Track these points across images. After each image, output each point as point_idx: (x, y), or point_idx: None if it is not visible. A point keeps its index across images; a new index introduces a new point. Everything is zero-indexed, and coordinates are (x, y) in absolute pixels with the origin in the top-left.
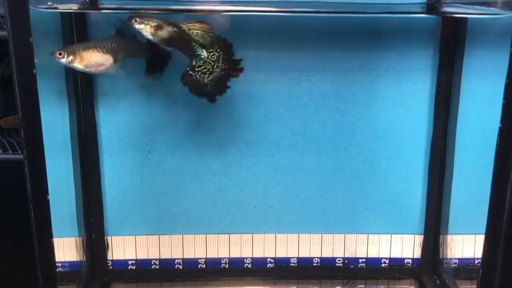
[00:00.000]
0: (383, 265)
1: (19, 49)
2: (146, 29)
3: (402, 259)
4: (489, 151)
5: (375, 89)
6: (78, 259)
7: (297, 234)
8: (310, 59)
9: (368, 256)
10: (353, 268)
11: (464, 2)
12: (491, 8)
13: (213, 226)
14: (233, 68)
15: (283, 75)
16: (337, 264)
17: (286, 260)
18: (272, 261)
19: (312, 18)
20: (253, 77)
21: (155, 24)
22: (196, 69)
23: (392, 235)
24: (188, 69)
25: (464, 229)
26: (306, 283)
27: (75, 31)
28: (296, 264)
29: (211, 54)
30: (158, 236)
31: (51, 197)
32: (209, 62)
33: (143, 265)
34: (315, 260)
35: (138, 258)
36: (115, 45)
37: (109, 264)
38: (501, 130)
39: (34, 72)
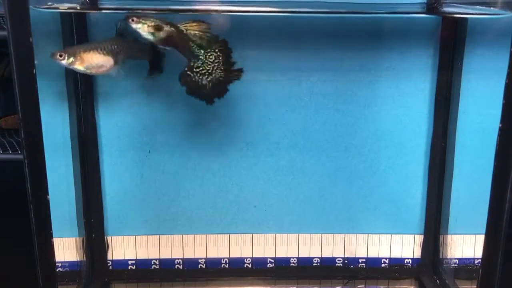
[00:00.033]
0: (383, 265)
1: (19, 49)
2: (143, 28)
3: (402, 259)
4: (489, 151)
5: (375, 89)
6: (78, 259)
7: (297, 234)
8: (310, 59)
9: (368, 256)
10: (353, 268)
11: (464, 2)
12: (491, 8)
13: (213, 226)
14: (233, 70)
15: (283, 75)
16: (337, 264)
17: (286, 260)
18: (272, 261)
19: (312, 18)
20: (253, 77)
21: (152, 24)
22: (194, 69)
23: (392, 235)
24: (186, 69)
25: (464, 229)
26: (306, 283)
27: (75, 31)
28: (296, 264)
29: (209, 54)
30: (158, 236)
31: (51, 197)
32: (207, 62)
33: (143, 265)
34: (315, 260)
35: (138, 258)
36: (116, 46)
37: (109, 264)
38: (501, 130)
39: (34, 72)
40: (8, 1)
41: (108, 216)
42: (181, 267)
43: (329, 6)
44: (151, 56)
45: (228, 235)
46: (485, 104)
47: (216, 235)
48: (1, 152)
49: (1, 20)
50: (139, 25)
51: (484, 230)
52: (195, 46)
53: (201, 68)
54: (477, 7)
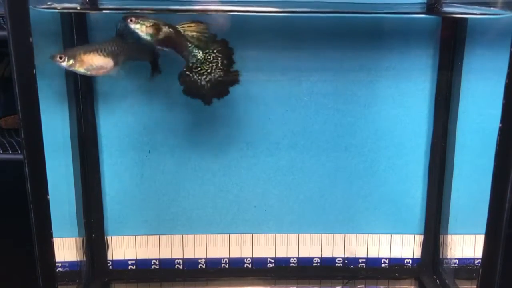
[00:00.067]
0: (383, 265)
1: (19, 49)
2: (141, 29)
3: (402, 259)
4: (489, 151)
5: (375, 89)
6: (78, 259)
7: (297, 234)
8: (310, 59)
9: (368, 256)
10: (353, 268)
11: (464, 2)
12: (491, 8)
13: (213, 226)
14: (231, 71)
15: (283, 75)
16: (337, 264)
17: (286, 260)
18: (272, 261)
19: (312, 18)
20: (253, 77)
21: (150, 24)
22: (193, 70)
23: (392, 235)
24: (184, 69)
25: (464, 229)
26: (306, 283)
27: (75, 31)
28: (296, 264)
29: (207, 54)
30: (158, 236)
31: (51, 197)
32: (206, 63)
33: (143, 265)
34: (315, 260)
35: (138, 258)
36: (116, 47)
37: (109, 264)
38: (501, 130)
39: (34, 72)
40: (8, 1)
41: (108, 216)
42: (181, 267)
43: (329, 6)
44: (152, 57)
45: (228, 235)
46: (485, 104)
47: (216, 235)
48: (1, 152)
49: (1, 20)
50: (138, 26)
51: (484, 230)
52: (193, 46)
53: (199, 69)
54: (477, 7)
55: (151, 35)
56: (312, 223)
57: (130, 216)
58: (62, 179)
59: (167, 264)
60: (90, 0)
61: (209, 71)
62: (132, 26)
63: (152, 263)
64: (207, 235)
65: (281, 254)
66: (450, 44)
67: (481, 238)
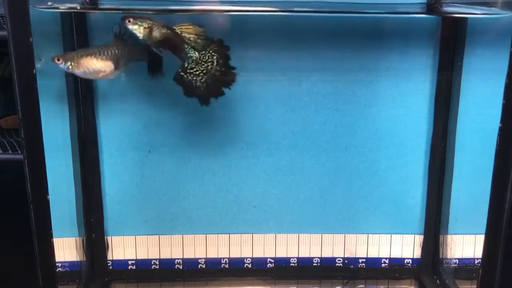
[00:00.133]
0: (383, 265)
1: (19, 49)
2: (139, 30)
3: (402, 259)
4: (489, 151)
5: (375, 89)
6: (78, 259)
7: (297, 234)
8: (310, 59)
9: (368, 256)
10: (353, 268)
11: (464, 2)
12: (491, 8)
13: (213, 226)
14: (227, 73)
15: (283, 75)
16: (337, 264)
17: (286, 260)
18: (272, 261)
19: (312, 18)
20: (253, 77)
21: (148, 25)
22: (188, 70)
23: (392, 235)
24: (179, 70)
25: (464, 229)
26: (306, 283)
27: (75, 31)
28: (296, 264)
29: (203, 56)
30: (158, 236)
31: (51, 197)
32: (201, 64)
33: (143, 265)
34: (315, 260)
35: (138, 258)
36: (115, 51)
37: (109, 264)
38: (501, 130)
39: (34, 72)
40: (8, 1)
41: (108, 216)
42: (181, 267)
43: (329, 6)
44: (150, 58)
45: (228, 235)
46: (485, 104)
47: (216, 235)
48: (1, 152)
49: (1, 20)
50: (135, 26)
51: (484, 230)
52: (189, 48)
53: (195, 69)
54: (477, 7)
55: (148, 36)
56: (312, 223)
57: (130, 216)
58: (62, 179)
59: (167, 264)
60: (90, 0)
61: (204, 71)
62: (130, 26)
63: (152, 263)
64: (207, 235)
65: (281, 254)
66: (450, 44)
67: (481, 238)
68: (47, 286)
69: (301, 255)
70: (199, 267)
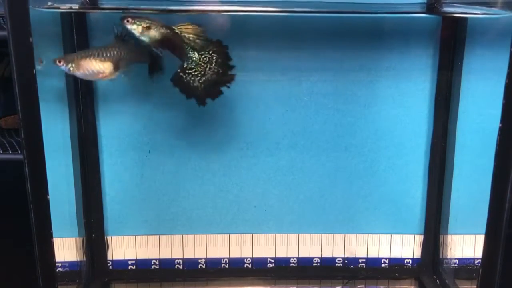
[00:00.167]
0: (383, 265)
1: (19, 49)
2: (137, 29)
3: (402, 259)
4: (489, 151)
5: (375, 89)
6: (78, 259)
7: (297, 234)
8: (310, 59)
9: (368, 256)
10: (353, 268)
11: (464, 2)
12: (491, 8)
13: (213, 226)
14: (226, 73)
15: (283, 75)
16: (337, 264)
17: (286, 260)
18: (272, 261)
19: (312, 18)
20: (253, 77)
21: (146, 25)
22: (187, 71)
23: (392, 235)
24: (178, 70)
25: (464, 229)
26: (306, 283)
27: (75, 31)
28: (296, 264)
29: (203, 56)
30: (158, 236)
31: (51, 197)
32: (200, 64)
33: (143, 265)
34: (315, 260)
35: (138, 258)
36: (115, 52)
37: (109, 264)
38: (501, 130)
39: (34, 72)
40: (8, 1)
41: (108, 216)
42: (181, 267)
43: (329, 6)
44: (151, 59)
45: (228, 235)
46: (485, 104)
47: (216, 235)
48: (1, 152)
49: (1, 20)
50: (134, 26)
51: (484, 230)
52: (188, 48)
53: (194, 70)
54: (477, 7)
55: (147, 35)
56: (312, 223)
57: (130, 216)
58: (62, 179)
59: (167, 264)
60: (90, 0)
61: (203, 72)
62: (129, 26)
63: (152, 263)
64: (207, 235)
65: (281, 254)
66: (450, 44)
67: (481, 238)
68: (47, 286)
69: (301, 255)
70: (199, 267)
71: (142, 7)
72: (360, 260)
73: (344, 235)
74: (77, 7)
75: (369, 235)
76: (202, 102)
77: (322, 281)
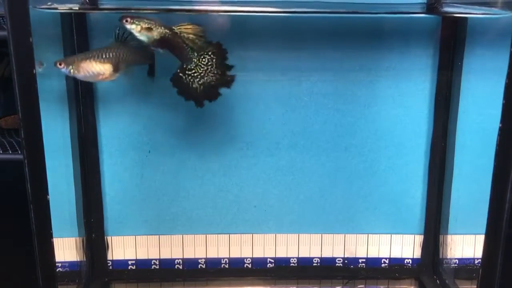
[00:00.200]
0: (383, 265)
1: (19, 49)
2: (136, 29)
3: (402, 259)
4: (489, 151)
5: (375, 89)
6: (78, 259)
7: (297, 234)
8: (310, 59)
9: (368, 256)
10: (353, 268)
11: (464, 2)
12: (491, 8)
13: (213, 226)
14: (225, 75)
15: (283, 75)
16: (337, 264)
17: (286, 260)
18: (272, 261)
19: (312, 18)
20: (253, 77)
21: (146, 25)
22: (186, 72)
23: (392, 235)
24: (178, 71)
25: (464, 229)
26: (306, 283)
27: (75, 31)
28: (296, 264)
29: (202, 57)
30: (158, 236)
31: (51, 197)
32: (200, 65)
33: (143, 265)
34: (315, 260)
35: (138, 258)
36: (115, 54)
37: (109, 264)
38: (501, 130)
39: (34, 72)
40: (8, 1)
41: (108, 216)
42: (181, 267)
43: (329, 6)
44: (152, 60)
45: (228, 235)
46: (485, 104)
47: (216, 235)
48: (1, 152)
49: (1, 20)
50: (133, 26)
51: (484, 230)
52: (188, 48)
53: (193, 71)
54: (477, 7)
55: (146, 35)
56: (312, 223)
57: (130, 216)
58: (62, 179)
59: (167, 264)
60: (90, 0)
61: (202, 74)
62: (128, 26)
63: (152, 263)
64: (207, 235)
65: (281, 254)
66: (450, 44)
67: (481, 238)
68: (47, 286)
69: (301, 255)
70: (199, 267)
71: (142, 7)
72: (360, 260)
73: (344, 235)
74: (77, 8)
75: (369, 235)
76: (200, 104)
77: (322, 281)
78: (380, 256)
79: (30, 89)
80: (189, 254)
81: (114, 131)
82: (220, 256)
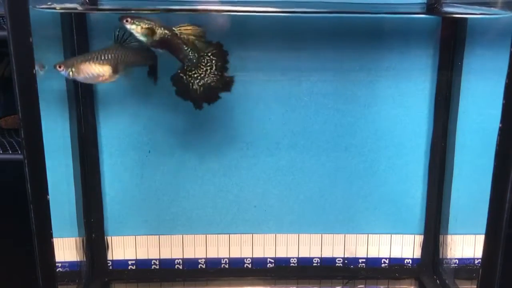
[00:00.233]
0: (383, 265)
1: (19, 49)
2: (136, 29)
3: (402, 259)
4: (489, 151)
5: (375, 89)
6: (78, 259)
7: (297, 234)
8: (310, 59)
9: (368, 256)
10: (353, 268)
11: (464, 2)
12: (491, 8)
13: (213, 226)
14: (225, 78)
15: (283, 75)
16: (337, 264)
17: (286, 260)
18: (272, 261)
19: (312, 18)
20: (253, 77)
21: (146, 25)
22: (187, 73)
23: (392, 235)
24: (179, 71)
25: (464, 229)
26: (306, 283)
27: (75, 31)
28: (296, 264)
29: (202, 58)
30: (158, 236)
31: (51, 197)
32: (200, 66)
33: (143, 265)
34: (315, 260)
35: (138, 258)
36: (114, 55)
37: (109, 264)
38: (501, 130)
39: (34, 72)
40: (8, 1)
41: (108, 216)
42: (181, 267)
43: (329, 6)
44: (153, 61)
45: (228, 235)
46: (485, 104)
47: (216, 235)
48: (1, 152)
49: (1, 20)
50: (133, 26)
51: (484, 230)
52: (188, 49)
53: (193, 72)
54: (477, 7)
55: (146, 36)
56: (312, 223)
57: (130, 216)
58: (62, 179)
59: (167, 264)
60: (90, 0)
61: (203, 75)
62: (128, 26)
63: (152, 263)
64: (207, 235)
65: (281, 254)
66: (450, 44)
67: (481, 238)
68: (47, 286)
69: (301, 255)
70: (199, 267)
71: (142, 7)
72: (360, 260)
73: (344, 235)
74: (77, 7)
75: (369, 235)
76: (199, 106)
77: (322, 281)
78: (380, 256)
79: (30, 89)
80: (189, 254)
81: (114, 131)
82: (220, 256)
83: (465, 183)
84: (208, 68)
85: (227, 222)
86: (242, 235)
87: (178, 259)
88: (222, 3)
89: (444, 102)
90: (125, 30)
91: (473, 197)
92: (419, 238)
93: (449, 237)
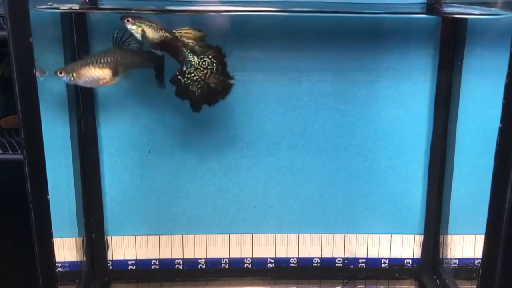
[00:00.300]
0: (383, 265)
1: (19, 49)
2: (137, 30)
3: (402, 259)
4: (489, 151)
5: (375, 89)
6: (78, 259)
7: (297, 234)
8: (310, 59)
9: (368, 256)
10: (353, 268)
11: (464, 2)
12: (491, 8)
13: (213, 226)
14: (224, 81)
15: (283, 75)
16: (337, 264)
17: (286, 260)
18: (272, 261)
19: (312, 18)
20: (253, 77)
21: (146, 26)
22: (186, 75)
23: (392, 235)
24: (177, 73)
25: (464, 229)
26: (306, 283)
27: (75, 31)
28: (296, 264)
29: (202, 61)
30: (158, 236)
31: (51, 197)
32: (199, 69)
33: (143, 265)
34: (315, 260)
35: (138, 258)
36: (114, 58)
37: (109, 264)
38: (501, 130)
39: (34, 72)
40: (8, 1)
41: (108, 216)
42: (181, 267)
43: (329, 6)
44: (157, 63)
45: (228, 235)
46: (485, 104)
47: (216, 235)
48: (1, 152)
49: (1, 20)
50: (134, 27)
51: (484, 230)
52: (188, 52)
53: (193, 75)
54: (477, 7)
55: (146, 37)
56: (312, 223)
57: (130, 216)
58: (62, 179)
59: (167, 264)
60: (90, 0)
61: (202, 78)
62: (129, 26)
63: (152, 263)
64: (207, 235)
65: (281, 254)
66: (450, 44)
67: (481, 238)
68: (47, 286)
69: (301, 255)
70: (199, 267)
71: (142, 7)
72: (360, 260)
73: (344, 235)
74: (77, 7)
75: (369, 235)
76: (197, 109)
77: (322, 281)
78: (380, 256)
79: (30, 89)
80: (189, 254)
81: (114, 131)
82: (220, 256)
83: (465, 183)
84: (208, 70)
85: (227, 222)
86: (242, 235)
87: (178, 259)
88: (222, 3)
89: (444, 102)
90: (124, 31)
91: (473, 197)
92: (419, 238)
93: (449, 237)
